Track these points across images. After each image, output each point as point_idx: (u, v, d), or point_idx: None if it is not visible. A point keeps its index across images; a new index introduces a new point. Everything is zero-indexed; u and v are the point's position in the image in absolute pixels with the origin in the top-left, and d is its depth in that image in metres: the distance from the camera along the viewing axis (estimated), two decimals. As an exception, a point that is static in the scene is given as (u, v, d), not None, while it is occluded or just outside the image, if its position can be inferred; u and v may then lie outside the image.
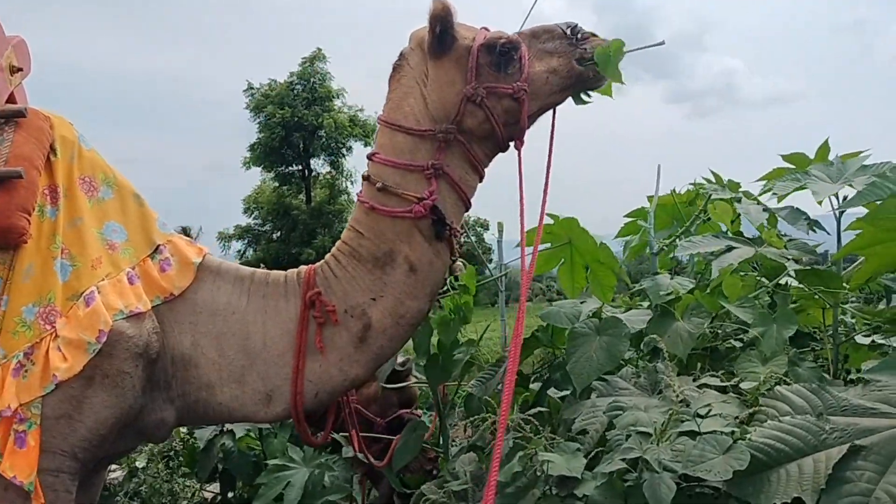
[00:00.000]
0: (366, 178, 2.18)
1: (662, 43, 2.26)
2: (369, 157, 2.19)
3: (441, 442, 3.00)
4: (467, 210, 2.23)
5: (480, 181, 2.25)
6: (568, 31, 2.20)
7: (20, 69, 2.42)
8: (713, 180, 2.82)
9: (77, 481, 2.01)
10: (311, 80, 32.09)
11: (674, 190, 2.87)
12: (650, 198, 2.93)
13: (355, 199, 2.25)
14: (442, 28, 2.10)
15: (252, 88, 31.90)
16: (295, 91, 31.77)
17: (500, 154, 2.24)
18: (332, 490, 2.92)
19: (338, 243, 2.22)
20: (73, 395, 1.92)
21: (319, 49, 32.65)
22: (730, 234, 2.66)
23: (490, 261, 5.48)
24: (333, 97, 32.45)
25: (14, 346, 1.90)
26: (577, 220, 2.73)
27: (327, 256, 2.21)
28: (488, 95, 2.11)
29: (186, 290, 2.14)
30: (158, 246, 2.16)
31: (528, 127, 2.20)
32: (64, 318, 1.93)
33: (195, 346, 2.11)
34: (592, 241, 2.73)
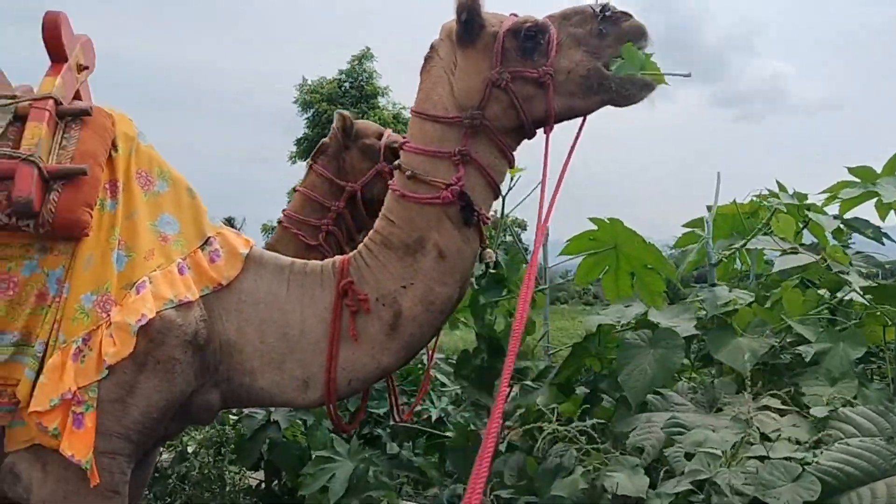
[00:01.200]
0: (397, 167, 2.23)
1: (688, 75, 2.21)
2: (401, 147, 2.24)
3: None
4: (497, 196, 2.25)
5: (511, 166, 2.26)
6: (597, 10, 2.11)
7: (86, 67, 2.52)
8: (776, 190, 2.75)
9: (132, 463, 2.09)
10: (359, 78, 32.30)
11: (734, 200, 2.80)
12: (709, 207, 2.87)
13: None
14: (469, 16, 2.11)
15: (305, 84, 32.23)
16: (343, 88, 32.02)
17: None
18: (375, 486, 2.93)
19: (370, 233, 2.26)
20: (126, 380, 2.00)
21: (368, 48, 32.87)
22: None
23: (525, 261, 5.44)
24: (379, 95, 32.62)
25: (73, 332, 1.98)
26: (622, 222, 2.67)
27: (360, 246, 2.26)
28: (513, 80, 2.10)
29: (233, 280, 2.21)
30: (209, 238, 2.24)
31: (555, 122, 2.15)
32: (118, 307, 2.02)
33: (240, 332, 2.17)
34: (641, 241, 2.65)
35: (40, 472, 1.99)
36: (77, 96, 2.48)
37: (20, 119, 2.15)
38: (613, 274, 2.75)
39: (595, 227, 2.72)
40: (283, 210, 3.42)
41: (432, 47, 2.23)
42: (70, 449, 1.89)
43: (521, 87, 2.11)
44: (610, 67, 2.10)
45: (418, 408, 3.58)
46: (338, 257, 2.29)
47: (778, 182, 2.77)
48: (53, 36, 2.31)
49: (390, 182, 2.26)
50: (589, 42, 2.12)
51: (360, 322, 2.16)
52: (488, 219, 2.22)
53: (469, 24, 2.12)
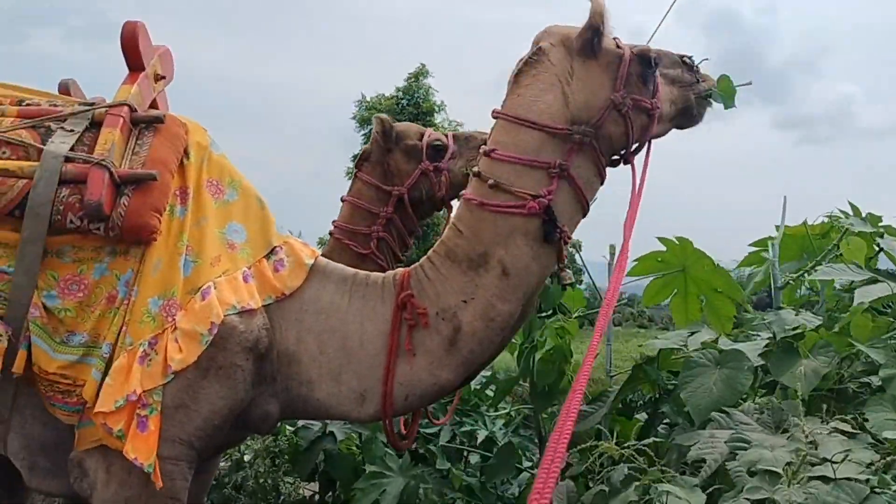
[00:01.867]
0: (476, 174, 2.15)
1: (749, 83, 2.36)
2: (486, 154, 2.14)
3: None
4: (584, 216, 2.20)
5: (601, 185, 2.22)
6: (689, 61, 2.27)
7: (163, 77, 2.58)
8: (849, 212, 2.67)
9: (193, 470, 2.11)
10: (416, 94, 32.63)
11: (805, 221, 2.72)
12: (778, 227, 2.80)
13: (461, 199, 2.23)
14: (600, 28, 2.09)
15: (364, 101, 32.71)
16: (400, 105, 32.39)
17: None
18: (425, 503, 2.93)
19: (436, 244, 2.23)
20: (189, 385, 2.02)
21: (423, 65, 33.19)
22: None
23: (580, 282, 5.39)
24: (435, 111, 32.87)
25: (140, 335, 2.00)
26: (691, 242, 2.62)
27: (423, 258, 2.23)
28: (633, 107, 2.12)
29: (295, 289, 2.20)
30: (275, 247, 2.25)
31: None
32: (183, 311, 2.04)
33: (299, 342, 2.17)
34: (710, 264, 2.60)
35: (105, 473, 2.03)
36: (154, 105, 2.54)
37: (96, 125, 2.19)
38: (682, 297, 2.69)
39: (663, 249, 2.68)
40: (333, 221, 3.42)
41: (540, 51, 2.13)
42: (134, 452, 1.91)
43: (636, 115, 2.14)
44: (705, 97, 2.25)
45: (467, 428, 3.57)
46: (399, 269, 2.27)
47: (851, 203, 2.68)
48: (131, 44, 2.37)
49: (463, 192, 2.21)
50: (683, 78, 2.26)
51: (419, 336, 2.12)
52: (570, 238, 2.16)
53: (598, 38, 2.09)
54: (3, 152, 2.10)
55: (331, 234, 3.43)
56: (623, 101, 2.09)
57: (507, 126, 2.13)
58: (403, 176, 3.32)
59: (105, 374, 1.98)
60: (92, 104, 2.27)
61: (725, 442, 1.84)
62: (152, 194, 2.08)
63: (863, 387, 2.36)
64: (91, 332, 2.03)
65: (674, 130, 2.35)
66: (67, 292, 2.04)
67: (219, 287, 2.09)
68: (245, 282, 2.15)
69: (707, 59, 2.31)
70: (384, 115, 3.39)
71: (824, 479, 1.52)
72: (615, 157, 2.21)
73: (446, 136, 3.41)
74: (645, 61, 2.14)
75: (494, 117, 2.18)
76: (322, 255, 3.40)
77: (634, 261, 2.76)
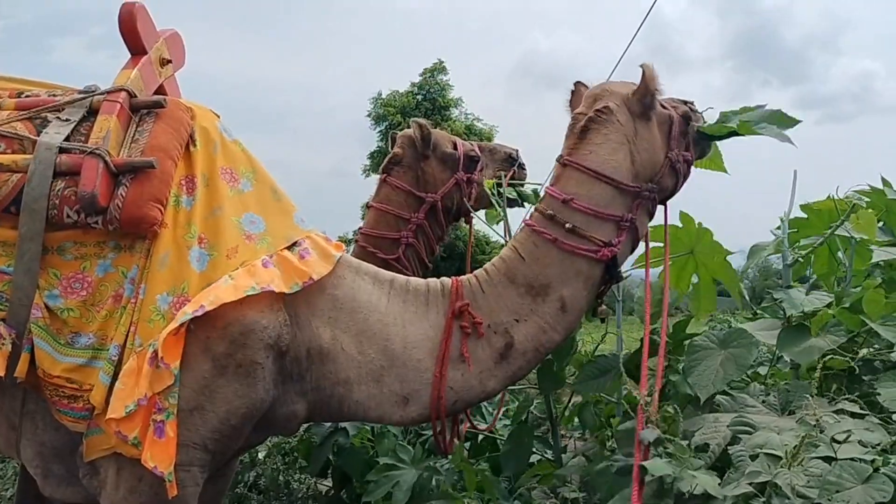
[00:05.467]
0: (550, 217, 2.22)
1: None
2: (565, 202, 2.22)
3: (554, 449, 2.95)
4: (630, 254, 2.37)
5: None
6: (692, 107, 2.46)
7: (170, 61, 2.44)
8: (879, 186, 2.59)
9: (206, 473, 2.04)
10: (432, 90, 32.59)
11: (830, 196, 2.63)
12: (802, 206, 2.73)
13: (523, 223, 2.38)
14: (654, 94, 2.28)
15: (380, 98, 32.71)
16: (416, 101, 32.36)
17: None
18: (438, 495, 2.90)
19: (494, 259, 2.29)
20: (206, 385, 1.93)
21: (441, 61, 33.13)
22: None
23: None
24: (452, 106, 32.80)
25: (150, 335, 1.89)
26: (711, 232, 2.61)
27: (478, 271, 2.28)
28: (682, 161, 2.35)
29: (326, 284, 2.12)
30: (297, 241, 2.14)
31: None
32: None
33: (334, 340, 2.11)
34: (721, 252, 2.59)
35: (115, 475, 1.95)
36: (161, 91, 2.40)
37: (94, 114, 2.08)
38: (697, 284, 2.69)
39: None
40: (360, 228, 3.37)
41: (608, 110, 2.27)
42: (153, 460, 1.81)
43: (683, 167, 2.37)
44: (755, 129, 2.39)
45: (477, 420, 3.55)
46: (445, 279, 2.29)
47: (882, 177, 2.60)
48: (128, 27, 2.26)
49: (528, 221, 2.30)
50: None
51: (471, 345, 2.17)
52: (624, 279, 2.38)
53: (654, 101, 2.28)
54: None
55: (356, 240, 3.38)
56: (677, 159, 2.32)
57: (581, 177, 2.24)
58: (438, 184, 3.28)
59: (114, 377, 1.88)
60: (91, 92, 2.16)
61: (728, 426, 1.80)
62: (152, 184, 1.97)
63: (878, 365, 2.30)
64: (98, 334, 1.94)
65: None
66: (70, 291, 1.95)
67: (235, 277, 1.97)
68: (265, 267, 2.02)
69: (711, 108, 2.50)
70: (423, 121, 3.34)
71: (827, 459, 1.47)
72: (664, 204, 2.43)
73: (475, 146, 3.42)
74: (686, 120, 2.39)
75: (564, 164, 2.29)
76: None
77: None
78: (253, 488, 3.66)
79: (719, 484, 1.60)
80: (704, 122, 2.47)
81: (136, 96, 2.14)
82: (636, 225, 2.26)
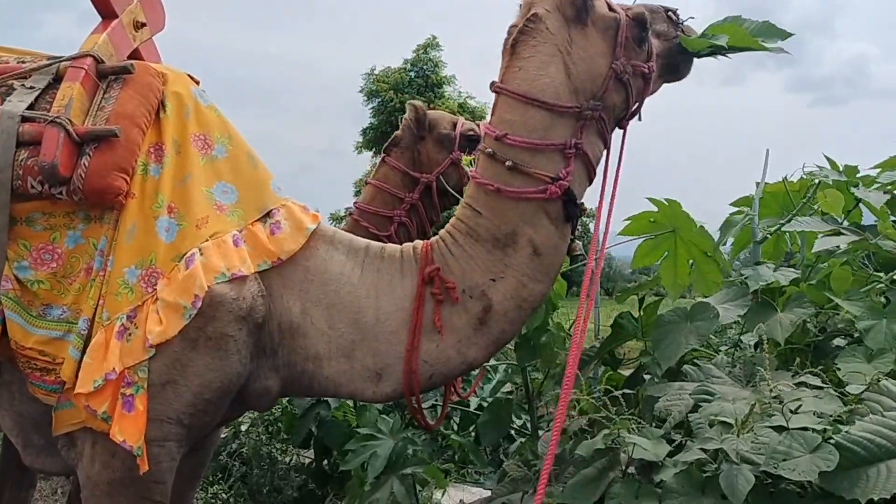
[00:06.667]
0: (489, 155, 2.03)
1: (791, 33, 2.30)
2: (498, 138, 2.02)
3: (530, 422, 3.01)
4: (591, 184, 2.15)
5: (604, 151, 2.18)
6: (674, 16, 2.21)
7: (144, 24, 2.35)
8: (827, 167, 2.62)
9: (183, 448, 2.01)
10: (425, 67, 32.38)
11: (785, 178, 2.67)
12: (757, 184, 2.76)
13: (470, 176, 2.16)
14: None
15: (372, 74, 32.47)
16: (409, 77, 32.16)
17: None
18: (412, 462, 2.96)
19: (452, 220, 2.13)
20: (177, 359, 1.89)
21: (434, 37, 32.89)
22: (845, 223, 2.49)
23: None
24: (445, 84, 32.62)
25: (117, 308, 1.87)
26: (680, 204, 2.55)
27: (442, 233, 2.13)
28: (633, 73, 2.07)
29: (298, 256, 2.06)
30: (271, 210, 2.09)
31: None
32: (165, 280, 1.90)
33: (304, 314, 2.04)
34: (698, 228, 2.56)
35: (90, 449, 1.94)
36: (136, 56, 2.31)
37: (60, 81, 2.02)
38: (672, 260, 2.63)
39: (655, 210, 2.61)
40: (355, 202, 3.43)
41: (536, 18, 2.01)
42: (121, 434, 1.80)
43: (636, 80, 2.09)
44: (722, 44, 2.15)
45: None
46: (418, 242, 2.16)
47: (827, 157, 2.63)
48: None
49: (472, 171, 2.14)
50: (668, 32, 2.19)
51: (446, 313, 2.02)
52: (585, 210, 2.14)
53: (589, 1, 2.01)
54: None
55: (350, 214, 3.43)
56: (624, 69, 2.04)
57: (513, 103, 2.02)
58: (433, 164, 3.32)
59: (83, 352, 1.86)
60: (58, 59, 2.08)
61: (690, 394, 1.84)
62: (116, 153, 1.92)
63: (841, 342, 2.35)
64: (72, 307, 1.92)
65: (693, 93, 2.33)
66: (40, 262, 1.91)
67: (205, 253, 1.93)
68: (235, 245, 1.99)
69: (693, 18, 2.24)
70: (418, 102, 3.38)
71: (779, 429, 1.52)
72: (620, 123, 2.17)
73: (478, 125, 3.38)
74: (641, 24, 2.08)
75: (495, 91, 2.07)
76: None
77: (627, 219, 2.72)
78: (236, 458, 3.71)
79: (671, 452, 1.66)
80: (684, 35, 2.21)
81: (103, 62, 2.07)
82: (585, 150, 2.02)
